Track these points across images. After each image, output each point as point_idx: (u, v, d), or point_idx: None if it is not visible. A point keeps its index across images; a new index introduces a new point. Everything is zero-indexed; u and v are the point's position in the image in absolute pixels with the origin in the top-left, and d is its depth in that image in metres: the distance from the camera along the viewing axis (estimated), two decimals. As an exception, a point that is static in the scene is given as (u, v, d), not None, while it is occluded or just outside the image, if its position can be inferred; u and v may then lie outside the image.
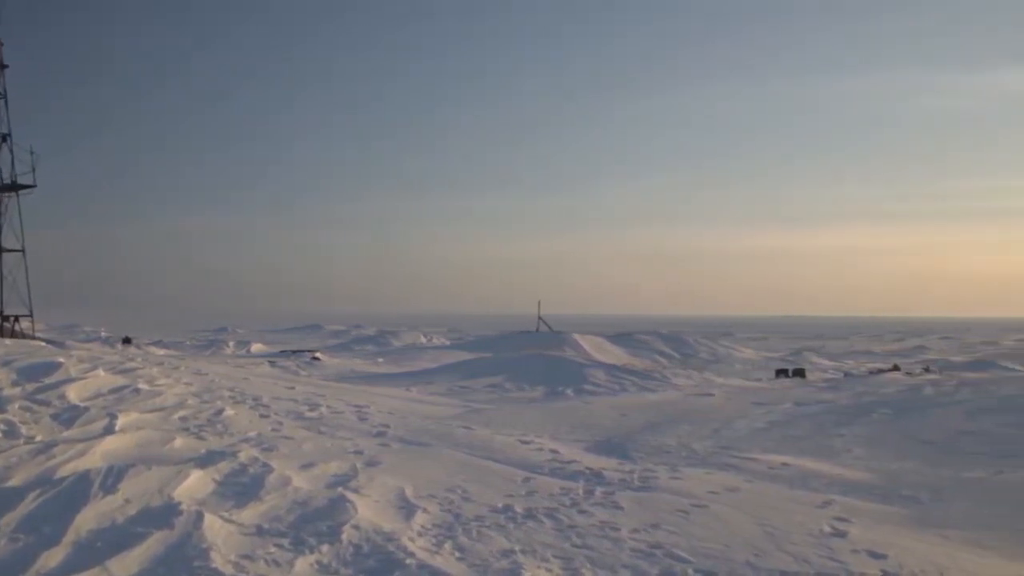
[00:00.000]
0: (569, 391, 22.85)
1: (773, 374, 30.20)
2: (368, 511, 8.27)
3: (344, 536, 7.44)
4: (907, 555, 7.57)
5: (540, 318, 45.22)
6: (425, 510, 8.52)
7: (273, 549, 7.09)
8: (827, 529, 8.37)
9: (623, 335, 45.21)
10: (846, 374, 30.22)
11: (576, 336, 39.19)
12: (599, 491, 9.68)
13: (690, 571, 6.92)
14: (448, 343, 47.97)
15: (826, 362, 42.64)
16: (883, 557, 7.47)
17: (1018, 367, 33.80)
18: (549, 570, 6.88)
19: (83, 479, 8.36)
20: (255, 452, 10.73)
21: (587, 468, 11.04)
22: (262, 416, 14.05)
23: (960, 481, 10.97)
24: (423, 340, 52.55)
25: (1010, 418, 14.77)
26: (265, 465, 9.89)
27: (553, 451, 12.31)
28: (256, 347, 42.21)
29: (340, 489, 9.03)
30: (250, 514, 8.05)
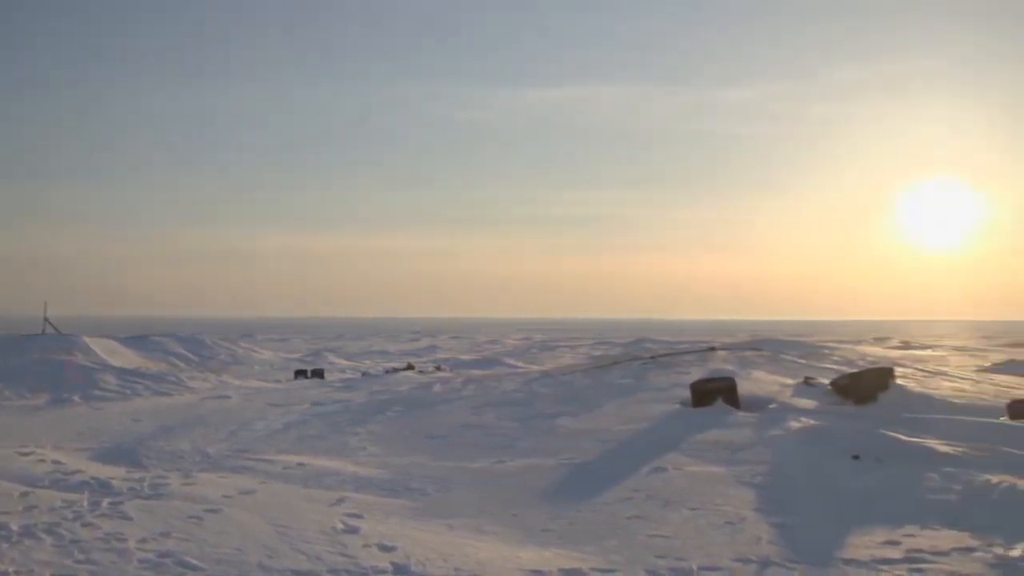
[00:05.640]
0: (76, 397, 21.44)
1: (292, 375, 30.36)
2: None
3: None
4: (415, 545, 7.95)
5: (46, 320, 42.06)
6: (-100, 535, 7.64)
7: None
8: (340, 526, 8.57)
9: (138, 337, 43.28)
10: (363, 373, 31.07)
11: (87, 339, 36.89)
12: (106, 502, 9.19)
13: (201, 578, 6.80)
14: (-64, 348, 43.21)
15: (344, 362, 43.58)
16: (393, 549, 7.79)
17: (520, 364, 36.53)
18: (47, 590, 6.45)
19: None
20: None
21: (93, 478, 10.45)
22: None
23: (464, 472, 11.68)
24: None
25: (510, 411, 15.94)
26: None
27: (56, 462, 11.51)
28: None
29: None
30: None
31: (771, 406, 15.12)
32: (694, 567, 7.52)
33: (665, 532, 8.66)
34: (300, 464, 11.95)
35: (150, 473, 11.15)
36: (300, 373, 30.33)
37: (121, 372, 25.99)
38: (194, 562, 7.16)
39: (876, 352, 28.75)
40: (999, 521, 8.68)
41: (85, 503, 9.13)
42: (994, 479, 9.92)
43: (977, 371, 23.93)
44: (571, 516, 9.36)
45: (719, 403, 15.09)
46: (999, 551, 7.78)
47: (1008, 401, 14.50)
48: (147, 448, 13.04)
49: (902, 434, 12.21)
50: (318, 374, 29.80)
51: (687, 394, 15.78)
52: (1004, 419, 13.54)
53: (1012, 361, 28.31)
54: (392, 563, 7.37)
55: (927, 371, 20.27)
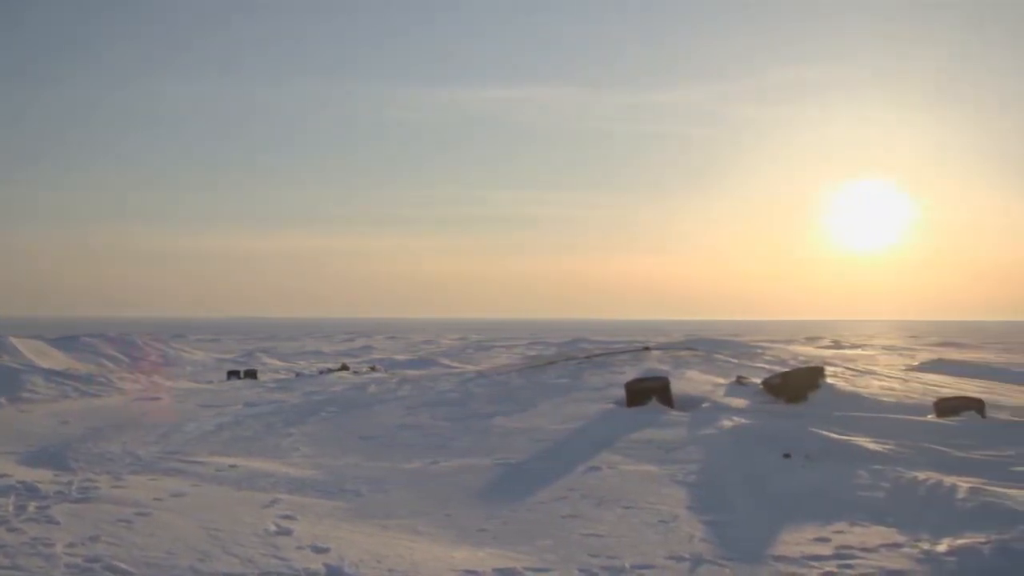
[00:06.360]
0: (2, 399, 21.01)
1: (225, 375, 30.02)
2: None
3: None
4: (348, 547, 7.90)
5: (-30, 320, 41.13)
6: None
7: None
8: (273, 528, 8.49)
9: (67, 338, 42.54)
10: (297, 374, 30.87)
11: (13, 340, 36.17)
12: (32, 506, 9.00)
13: (130, 582, 6.69)
14: None
15: (278, 363, 43.29)
16: (326, 551, 7.73)
17: (455, 364, 36.53)
18: (-31, 597, 6.30)
19: None
20: None
21: (19, 482, 10.21)
22: None
23: (399, 472, 11.63)
24: None
25: (445, 411, 15.93)
26: None
27: (-20, 465, 11.27)
28: None
29: None
30: None
31: (704, 405, 15.28)
32: (627, 565, 7.56)
33: (599, 531, 8.70)
34: (232, 466, 11.81)
35: (78, 476, 10.94)
36: (233, 374, 30.01)
37: (49, 373, 25.51)
38: (123, 566, 7.04)
39: (807, 352, 29.26)
40: (925, 517, 8.85)
41: (11, 507, 8.94)
42: (921, 476, 10.12)
43: (905, 370, 24.43)
44: (505, 516, 9.37)
45: (653, 402, 15.22)
46: (925, 546, 7.93)
47: (935, 399, 14.80)
48: (75, 451, 12.80)
49: (832, 432, 12.41)
50: (251, 375, 29.50)
51: (622, 394, 15.89)
52: (931, 417, 13.82)
53: (940, 360, 28.93)
54: (325, 564, 7.31)
55: (857, 370, 20.64)
